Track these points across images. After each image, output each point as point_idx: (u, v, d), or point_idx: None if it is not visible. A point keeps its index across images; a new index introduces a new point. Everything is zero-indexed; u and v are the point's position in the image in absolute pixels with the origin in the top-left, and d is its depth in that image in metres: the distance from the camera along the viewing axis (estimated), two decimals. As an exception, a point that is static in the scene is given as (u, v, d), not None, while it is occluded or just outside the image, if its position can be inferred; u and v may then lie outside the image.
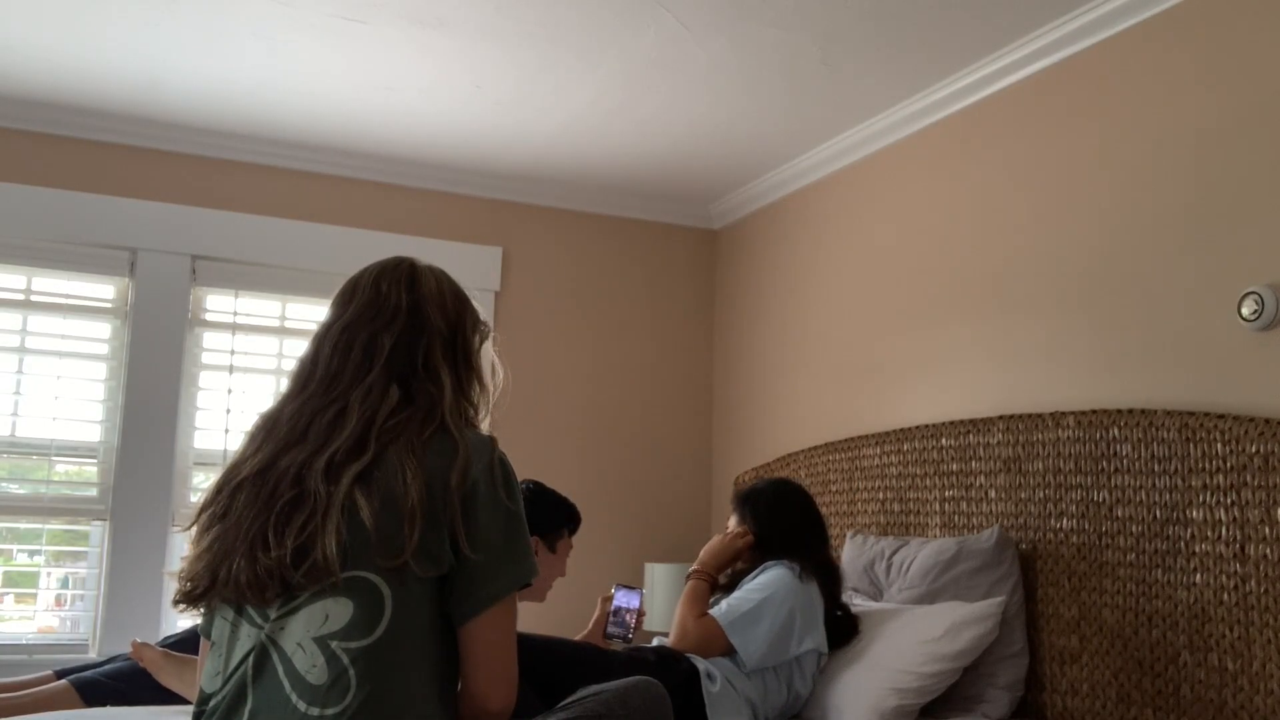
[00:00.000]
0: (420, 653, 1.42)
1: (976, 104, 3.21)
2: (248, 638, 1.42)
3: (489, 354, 1.66)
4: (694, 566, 2.64)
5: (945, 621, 2.55)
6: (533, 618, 3.04)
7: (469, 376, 1.59)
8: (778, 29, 2.95)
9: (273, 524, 1.40)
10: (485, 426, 1.60)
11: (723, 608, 2.47)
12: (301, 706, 1.35)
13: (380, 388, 1.50)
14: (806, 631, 2.48)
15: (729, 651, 2.44)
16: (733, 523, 2.76)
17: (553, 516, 2.82)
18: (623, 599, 2.83)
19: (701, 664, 2.39)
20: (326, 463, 1.43)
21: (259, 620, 1.42)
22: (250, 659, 1.41)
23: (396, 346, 1.54)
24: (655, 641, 2.71)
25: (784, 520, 2.68)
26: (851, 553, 3.12)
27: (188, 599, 1.47)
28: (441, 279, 1.64)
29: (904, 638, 2.56)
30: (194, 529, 1.49)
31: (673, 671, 2.30)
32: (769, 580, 2.52)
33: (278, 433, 1.49)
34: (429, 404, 1.51)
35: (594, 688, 1.63)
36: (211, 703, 1.44)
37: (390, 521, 1.40)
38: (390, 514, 1.40)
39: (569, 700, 1.62)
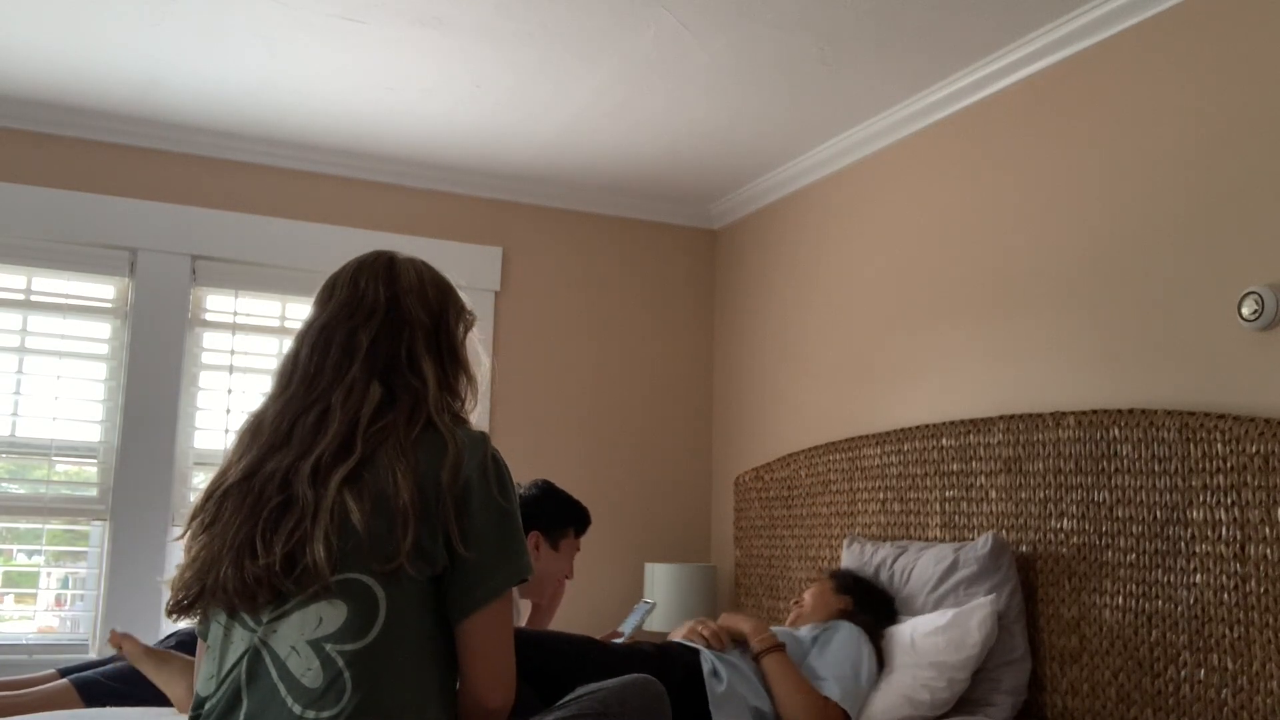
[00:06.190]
0: (417, 653, 1.41)
1: (976, 104, 3.20)
2: (240, 641, 1.42)
3: (475, 342, 1.64)
4: (759, 644, 2.51)
5: (946, 634, 2.56)
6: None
7: (454, 368, 1.57)
8: (778, 29, 2.95)
9: (260, 531, 1.39)
10: (475, 418, 1.58)
11: (835, 690, 2.44)
12: (297, 710, 1.35)
13: (361, 386, 1.48)
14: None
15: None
16: (813, 593, 2.82)
17: (559, 515, 2.83)
18: (633, 613, 2.86)
19: (707, 663, 2.38)
20: (313, 466, 1.41)
21: (251, 624, 1.41)
22: (244, 662, 1.40)
23: (375, 342, 1.52)
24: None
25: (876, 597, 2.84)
26: (850, 561, 3.10)
27: (179, 609, 1.46)
28: (422, 270, 1.61)
29: (910, 655, 2.58)
30: (185, 536, 1.48)
31: (674, 667, 2.29)
32: (848, 643, 2.58)
33: (261, 435, 1.48)
34: (413, 400, 1.49)
35: (591, 686, 1.62)
36: (206, 706, 1.44)
37: (382, 524, 1.39)
38: (382, 516, 1.39)
39: (566, 699, 1.61)
